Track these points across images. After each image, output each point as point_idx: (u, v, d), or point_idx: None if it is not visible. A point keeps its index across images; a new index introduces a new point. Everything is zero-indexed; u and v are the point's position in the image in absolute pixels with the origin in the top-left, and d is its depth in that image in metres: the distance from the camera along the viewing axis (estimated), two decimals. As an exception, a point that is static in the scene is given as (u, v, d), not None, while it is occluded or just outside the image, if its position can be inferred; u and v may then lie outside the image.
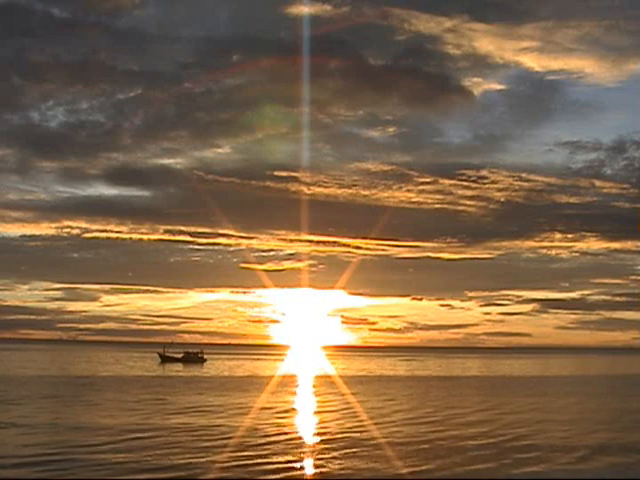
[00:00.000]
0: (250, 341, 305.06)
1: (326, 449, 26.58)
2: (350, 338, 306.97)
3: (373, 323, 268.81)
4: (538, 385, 76.04)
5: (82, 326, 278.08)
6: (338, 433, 31.15)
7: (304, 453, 25.78)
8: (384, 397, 52.93)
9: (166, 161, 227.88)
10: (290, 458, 24.40)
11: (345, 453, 25.86)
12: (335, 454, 25.49)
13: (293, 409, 42.29)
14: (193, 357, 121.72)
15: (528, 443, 29.47)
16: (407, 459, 24.70)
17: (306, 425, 34.73)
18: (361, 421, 36.25)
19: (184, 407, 42.01)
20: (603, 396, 59.38)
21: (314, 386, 65.15)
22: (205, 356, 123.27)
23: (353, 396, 52.05)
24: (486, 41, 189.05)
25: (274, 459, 24.16)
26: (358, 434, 31.16)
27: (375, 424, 34.72)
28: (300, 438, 29.66)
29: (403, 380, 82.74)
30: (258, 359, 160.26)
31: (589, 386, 74.54)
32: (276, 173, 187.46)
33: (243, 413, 38.96)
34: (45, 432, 30.25)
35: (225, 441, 28.10)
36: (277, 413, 39.11)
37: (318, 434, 30.86)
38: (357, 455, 25.53)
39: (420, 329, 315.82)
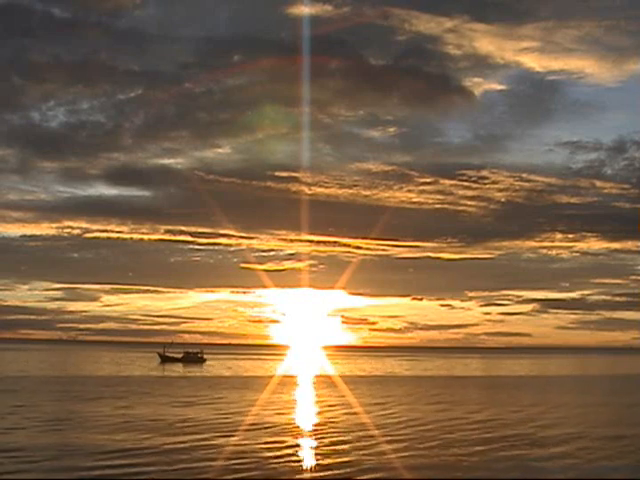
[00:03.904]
0: (250, 341, 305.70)
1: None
2: (350, 338, 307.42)
3: (373, 323, 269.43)
4: (578, 385, 76.15)
5: (82, 326, 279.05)
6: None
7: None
8: (439, 405, 49.41)
9: (167, 161, 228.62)
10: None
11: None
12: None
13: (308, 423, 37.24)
14: (193, 357, 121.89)
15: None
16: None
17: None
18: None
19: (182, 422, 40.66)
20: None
21: (322, 388, 64.57)
22: (205, 356, 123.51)
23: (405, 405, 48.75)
24: (486, 41, 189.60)
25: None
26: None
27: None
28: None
29: (426, 380, 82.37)
30: (258, 359, 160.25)
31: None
32: (277, 173, 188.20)
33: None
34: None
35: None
36: (277, 429, 33.33)
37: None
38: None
39: (420, 329, 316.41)
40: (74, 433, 30.91)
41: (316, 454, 26.35)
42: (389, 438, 30.49)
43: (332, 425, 34.95)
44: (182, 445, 27.67)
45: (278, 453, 26.15)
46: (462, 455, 26.59)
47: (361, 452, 26.76)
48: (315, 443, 29.02)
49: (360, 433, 32.00)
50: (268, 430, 32.72)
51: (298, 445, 28.37)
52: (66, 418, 36.29)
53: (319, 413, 41.63)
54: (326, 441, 29.42)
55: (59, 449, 26.26)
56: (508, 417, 40.96)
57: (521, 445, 29.55)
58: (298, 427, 34.47)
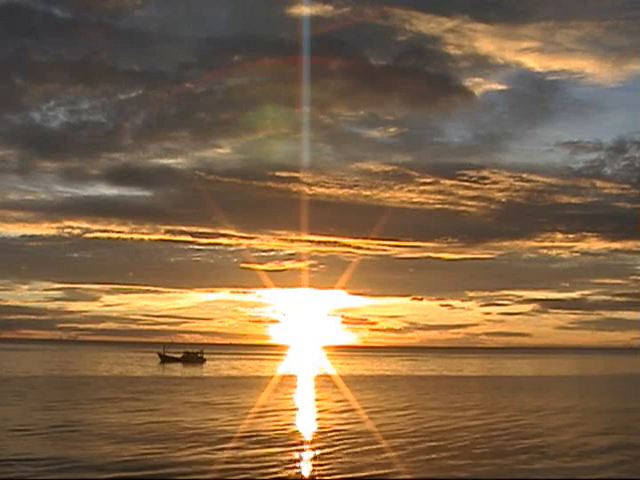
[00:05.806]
0: (250, 341, 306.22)
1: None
2: (350, 338, 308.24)
3: (373, 323, 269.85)
4: (597, 387, 75.57)
5: (82, 326, 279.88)
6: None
7: None
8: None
9: (167, 161, 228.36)
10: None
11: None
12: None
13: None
14: (193, 357, 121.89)
15: None
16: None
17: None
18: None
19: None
20: None
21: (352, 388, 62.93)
22: (205, 356, 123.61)
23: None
24: (487, 41, 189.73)
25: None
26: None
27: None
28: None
29: (432, 380, 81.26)
30: (258, 359, 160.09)
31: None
32: (277, 173, 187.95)
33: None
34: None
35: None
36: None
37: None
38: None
39: (420, 329, 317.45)
40: (80, 442, 29.58)
41: (325, 465, 24.88)
42: (418, 446, 28.95)
43: (340, 433, 33.08)
44: (187, 459, 25.97)
45: (285, 467, 24.66)
46: (504, 465, 25.09)
47: (379, 465, 25.10)
48: (327, 452, 27.59)
49: (380, 444, 29.76)
50: (274, 439, 30.85)
51: (305, 457, 26.70)
52: (74, 423, 35.15)
53: (326, 418, 39.78)
54: (338, 451, 27.83)
55: (66, 460, 25.09)
56: (539, 423, 38.98)
57: (562, 455, 27.89)
58: (304, 436, 32.42)
